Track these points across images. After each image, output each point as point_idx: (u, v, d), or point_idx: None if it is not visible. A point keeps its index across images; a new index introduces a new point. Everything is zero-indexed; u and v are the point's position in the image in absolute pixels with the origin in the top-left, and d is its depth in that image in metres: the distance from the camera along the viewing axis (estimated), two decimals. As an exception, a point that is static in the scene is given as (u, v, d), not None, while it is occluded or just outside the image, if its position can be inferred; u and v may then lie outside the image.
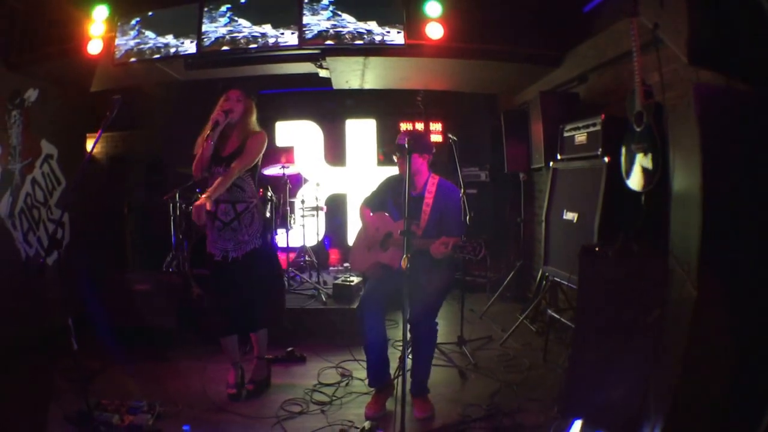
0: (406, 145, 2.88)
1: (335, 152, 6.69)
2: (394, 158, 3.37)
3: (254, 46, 4.14)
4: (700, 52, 1.79)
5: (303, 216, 5.80)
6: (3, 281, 4.16)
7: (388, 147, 6.09)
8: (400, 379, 3.09)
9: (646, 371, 2.33)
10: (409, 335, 3.18)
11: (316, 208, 5.88)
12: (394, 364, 3.50)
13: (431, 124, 6.50)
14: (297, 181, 6.14)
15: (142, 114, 5.92)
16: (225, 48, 4.15)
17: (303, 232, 5.80)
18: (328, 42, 4.09)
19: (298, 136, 6.60)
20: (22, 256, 4.43)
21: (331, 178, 6.62)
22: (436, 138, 6.41)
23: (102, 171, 6.33)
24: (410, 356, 3.28)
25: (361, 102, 6.42)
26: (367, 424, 2.93)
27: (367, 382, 3.39)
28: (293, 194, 5.94)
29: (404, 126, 6.55)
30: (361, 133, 6.65)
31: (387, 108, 6.54)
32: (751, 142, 1.63)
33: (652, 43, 2.36)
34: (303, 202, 5.84)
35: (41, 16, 4.34)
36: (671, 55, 2.47)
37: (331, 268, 6.35)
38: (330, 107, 6.57)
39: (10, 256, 4.32)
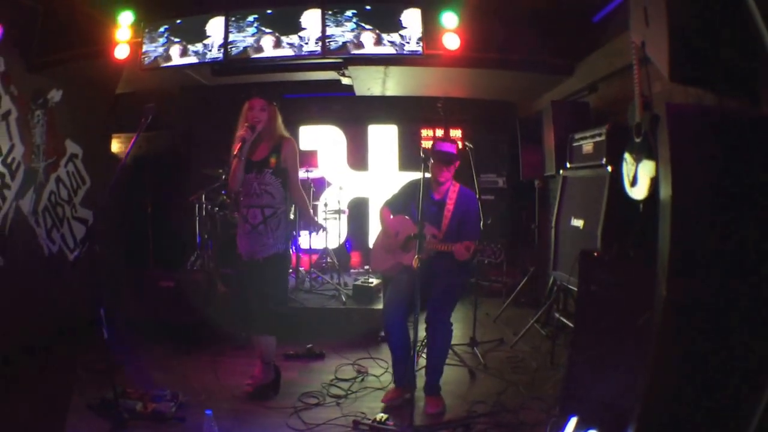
0: (427, 155, 3.12)
1: (358, 157, 6.87)
2: (429, 165, 3.45)
3: (279, 54, 4.34)
4: (680, 70, 1.91)
5: (326, 219, 5.99)
6: (26, 276, 4.30)
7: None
8: (417, 373, 3.32)
9: (636, 372, 2.44)
10: (424, 333, 3.39)
11: (339, 212, 6.07)
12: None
13: (451, 130, 6.64)
14: (320, 184, 6.33)
15: (165, 115, 6.11)
16: (252, 56, 4.36)
17: (326, 234, 5.99)
18: (352, 52, 4.26)
19: (322, 140, 6.79)
20: (45, 252, 4.56)
21: (353, 182, 6.81)
22: (456, 144, 6.55)
23: (125, 170, 6.54)
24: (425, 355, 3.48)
25: (384, 108, 6.57)
26: (378, 416, 3.12)
27: (392, 379, 3.57)
28: (317, 197, 6.15)
29: (425, 132, 6.73)
30: (384, 138, 6.83)
31: (408, 114, 6.68)
32: (719, 156, 1.76)
33: (644, 58, 2.48)
34: (326, 205, 6.04)
35: (63, 18, 4.41)
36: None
37: (351, 271, 6.49)
38: (353, 112, 6.72)
39: (33, 252, 4.45)
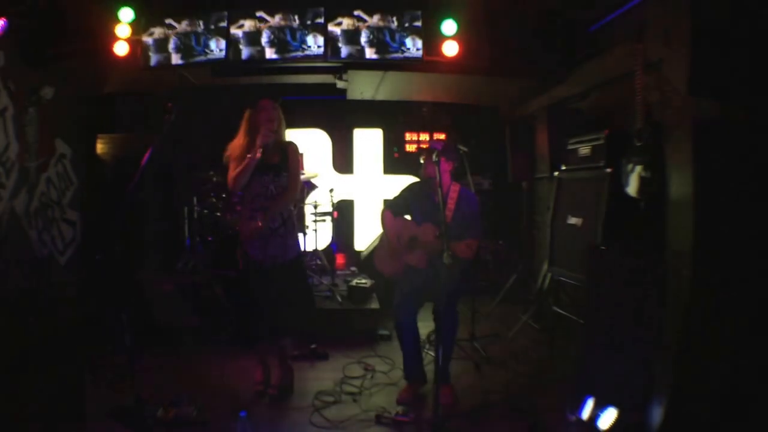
0: (434, 156, 3.22)
1: (343, 160, 6.97)
2: (421, 160, 3.63)
3: (281, 56, 4.38)
4: (699, 86, 2.16)
5: (315, 221, 6.05)
6: (21, 280, 4.23)
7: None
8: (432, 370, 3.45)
9: (649, 352, 2.68)
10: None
11: (331, 214, 6.14)
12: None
13: (435, 134, 6.83)
14: (307, 187, 6.37)
15: (149, 116, 6.02)
16: (255, 57, 4.36)
17: (315, 236, 6.05)
18: (355, 56, 4.34)
19: (308, 144, 6.83)
20: (37, 255, 4.48)
21: (339, 185, 6.89)
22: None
23: (107, 172, 6.42)
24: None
25: (369, 112, 6.69)
26: (400, 409, 3.25)
27: (403, 375, 3.67)
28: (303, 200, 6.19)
29: (409, 136, 6.92)
30: (368, 142, 6.96)
31: (393, 119, 6.83)
32: (733, 160, 2.03)
33: (654, 66, 2.72)
34: (315, 207, 6.10)
35: (63, 13, 4.33)
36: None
37: (338, 272, 6.58)
38: (339, 116, 6.80)
39: (26, 255, 4.36)
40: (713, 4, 2.10)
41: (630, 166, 3.24)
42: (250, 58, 4.37)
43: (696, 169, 2.10)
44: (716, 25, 2.09)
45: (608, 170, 3.70)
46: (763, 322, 2.01)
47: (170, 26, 4.41)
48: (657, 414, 2.31)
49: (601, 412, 2.75)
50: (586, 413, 2.83)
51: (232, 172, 3.34)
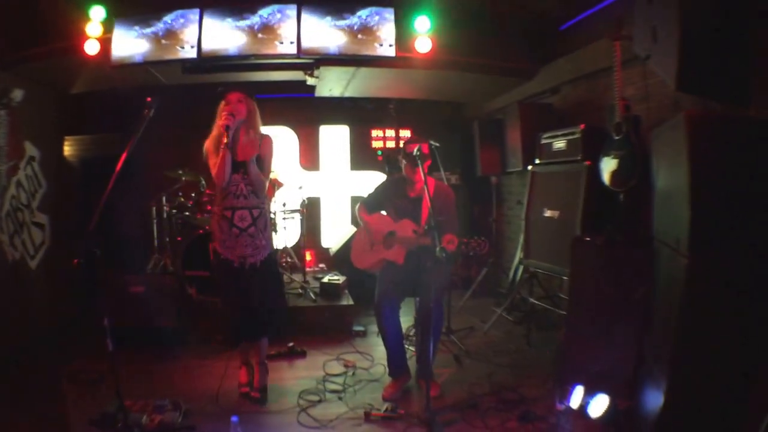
0: (415, 151, 3.26)
1: (310, 157, 6.90)
2: (402, 164, 3.65)
3: (252, 53, 4.29)
4: (686, 82, 2.25)
5: (284, 218, 5.96)
6: None
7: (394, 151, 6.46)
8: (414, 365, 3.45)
9: (638, 340, 2.78)
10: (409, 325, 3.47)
11: (301, 211, 6.06)
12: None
13: (401, 130, 6.86)
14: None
15: (117, 116, 5.79)
16: (225, 54, 4.27)
17: (284, 234, 5.96)
18: (326, 52, 4.30)
19: (274, 141, 6.71)
20: (9, 259, 4.33)
21: (305, 183, 6.80)
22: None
23: (75, 174, 6.16)
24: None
25: (336, 109, 6.65)
26: (389, 405, 3.23)
27: (388, 371, 3.66)
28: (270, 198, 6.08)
29: (376, 132, 6.92)
30: (335, 139, 6.92)
31: (360, 115, 6.81)
32: (726, 151, 2.14)
33: (641, 60, 2.82)
34: (284, 204, 6.00)
35: (33, 14, 4.23)
36: (652, 71, 2.97)
37: (307, 269, 6.52)
38: (305, 113, 6.72)
39: None
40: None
41: (608, 159, 3.36)
42: (221, 56, 4.26)
43: (691, 162, 2.18)
44: (705, 20, 2.18)
45: (586, 163, 3.80)
46: (762, 306, 2.11)
47: (141, 24, 4.26)
48: (652, 400, 2.39)
49: (591, 399, 2.83)
50: (575, 401, 2.90)
51: (212, 169, 3.25)
